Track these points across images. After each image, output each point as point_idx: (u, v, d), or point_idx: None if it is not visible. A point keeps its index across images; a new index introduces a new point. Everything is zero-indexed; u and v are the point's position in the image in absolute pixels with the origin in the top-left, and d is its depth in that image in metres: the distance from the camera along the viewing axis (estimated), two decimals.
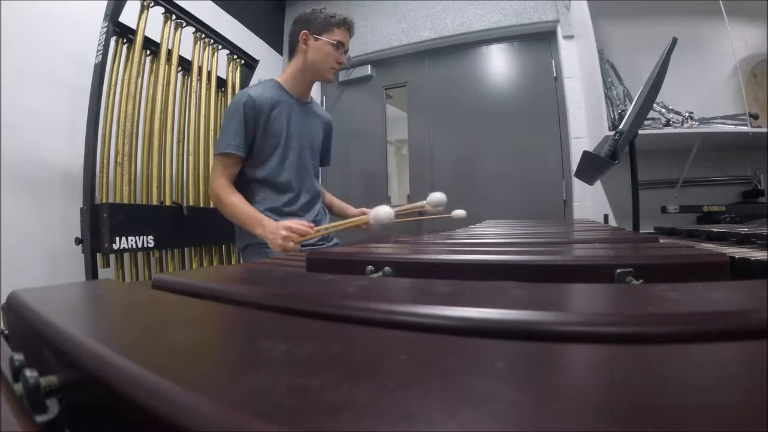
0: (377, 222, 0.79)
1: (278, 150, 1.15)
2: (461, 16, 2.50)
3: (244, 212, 1.09)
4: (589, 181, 1.46)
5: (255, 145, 1.14)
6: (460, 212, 1.23)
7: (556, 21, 2.33)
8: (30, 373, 0.17)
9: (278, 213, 1.13)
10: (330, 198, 1.40)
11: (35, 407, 0.17)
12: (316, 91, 2.83)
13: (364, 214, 1.26)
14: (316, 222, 1.20)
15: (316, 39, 1.15)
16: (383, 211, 0.79)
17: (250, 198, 1.14)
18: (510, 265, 0.39)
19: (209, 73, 1.87)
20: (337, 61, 1.18)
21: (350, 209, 1.38)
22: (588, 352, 0.16)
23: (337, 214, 1.39)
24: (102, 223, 1.35)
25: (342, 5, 2.74)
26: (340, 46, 1.17)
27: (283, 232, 0.96)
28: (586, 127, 2.23)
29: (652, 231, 1.14)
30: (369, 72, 2.73)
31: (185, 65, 1.77)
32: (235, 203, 1.11)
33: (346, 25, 1.18)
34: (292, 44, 1.20)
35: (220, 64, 1.95)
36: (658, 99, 1.85)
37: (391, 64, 2.74)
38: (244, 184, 1.16)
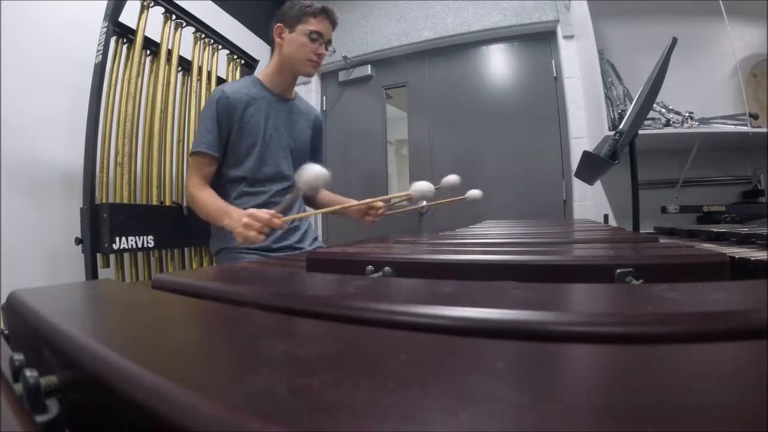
0: (307, 186, 0.71)
1: (255, 150, 1.10)
2: (461, 16, 2.50)
3: (213, 205, 1.03)
4: (589, 181, 1.46)
5: (230, 144, 1.08)
6: (475, 192, 1.15)
7: (556, 21, 2.33)
8: (30, 373, 0.17)
9: None
10: (321, 193, 1.31)
11: (35, 407, 0.17)
12: (316, 91, 2.85)
13: (369, 207, 1.15)
14: (297, 227, 1.16)
15: (291, 31, 1.10)
16: (313, 174, 0.69)
17: (226, 199, 1.08)
18: (510, 265, 0.39)
19: (209, 73, 1.87)
20: (315, 53, 1.10)
21: (344, 203, 1.26)
22: (588, 352, 0.16)
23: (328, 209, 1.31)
24: (102, 223, 1.35)
25: (342, 5, 2.74)
26: (318, 36, 1.09)
27: (245, 219, 0.89)
28: (586, 127, 2.22)
29: (652, 231, 1.13)
30: (369, 72, 2.73)
31: (185, 65, 1.77)
32: (205, 198, 1.05)
33: (324, 14, 1.10)
34: (272, 39, 1.15)
35: (220, 64, 1.95)
36: (658, 99, 1.85)
37: (391, 64, 2.74)
38: (220, 186, 1.11)
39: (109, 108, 1.46)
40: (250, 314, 0.24)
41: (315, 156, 1.29)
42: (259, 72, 1.19)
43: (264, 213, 0.89)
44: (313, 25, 1.10)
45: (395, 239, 0.79)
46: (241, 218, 0.90)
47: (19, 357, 0.19)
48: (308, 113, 1.25)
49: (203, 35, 1.84)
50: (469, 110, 2.54)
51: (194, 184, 1.07)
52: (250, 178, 1.10)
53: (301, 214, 1.10)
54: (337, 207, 0.98)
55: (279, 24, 1.12)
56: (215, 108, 1.06)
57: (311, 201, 1.32)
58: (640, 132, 1.26)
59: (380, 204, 1.17)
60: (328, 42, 1.14)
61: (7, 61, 1.34)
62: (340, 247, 0.63)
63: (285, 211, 1.06)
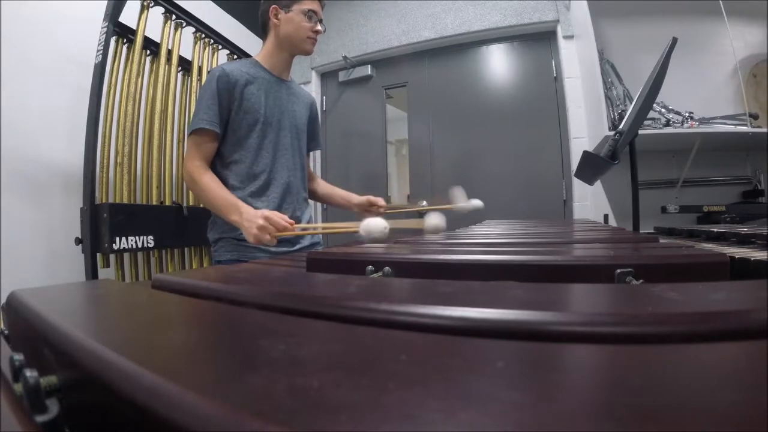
0: (368, 235, 0.69)
1: (257, 127, 1.08)
2: (461, 16, 2.50)
3: (220, 196, 1.00)
4: (589, 181, 1.46)
5: (231, 122, 1.07)
6: (476, 202, 1.17)
7: (556, 21, 2.33)
8: (30, 373, 0.17)
9: (255, 197, 1.07)
10: (318, 184, 1.35)
11: (35, 407, 0.17)
12: (316, 91, 2.85)
13: (371, 203, 1.22)
14: (297, 216, 1.15)
15: (287, 11, 1.11)
16: (375, 225, 0.67)
17: (224, 183, 1.06)
18: (510, 265, 0.39)
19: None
20: (312, 30, 1.13)
21: (345, 197, 1.31)
22: (588, 352, 0.16)
23: (326, 201, 1.35)
24: (102, 223, 1.35)
25: (342, 5, 2.75)
26: (313, 14, 1.12)
27: (261, 221, 0.87)
28: (586, 127, 2.23)
29: (652, 231, 1.13)
30: (369, 72, 2.73)
31: (185, 65, 1.77)
32: (210, 185, 1.02)
33: None
34: (264, 22, 1.15)
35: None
36: (658, 99, 1.85)
37: (391, 64, 2.74)
38: (219, 168, 1.08)
39: (109, 108, 1.46)
40: (250, 314, 0.24)
41: (313, 140, 1.29)
42: (255, 55, 1.19)
43: (280, 219, 0.88)
44: (307, 4, 1.12)
45: (395, 239, 0.79)
46: (256, 219, 0.89)
47: (19, 357, 0.19)
48: (305, 96, 1.26)
49: (203, 35, 1.84)
50: (469, 110, 2.54)
51: (196, 165, 1.04)
52: (250, 160, 1.08)
53: (312, 225, 1.10)
54: (340, 226, 0.95)
55: (274, 6, 1.12)
56: (215, 84, 1.04)
57: (312, 194, 1.32)
58: (640, 132, 1.26)
59: (382, 201, 1.20)
60: (320, 20, 1.16)
61: (7, 61, 1.34)
62: (340, 247, 0.63)
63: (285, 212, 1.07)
